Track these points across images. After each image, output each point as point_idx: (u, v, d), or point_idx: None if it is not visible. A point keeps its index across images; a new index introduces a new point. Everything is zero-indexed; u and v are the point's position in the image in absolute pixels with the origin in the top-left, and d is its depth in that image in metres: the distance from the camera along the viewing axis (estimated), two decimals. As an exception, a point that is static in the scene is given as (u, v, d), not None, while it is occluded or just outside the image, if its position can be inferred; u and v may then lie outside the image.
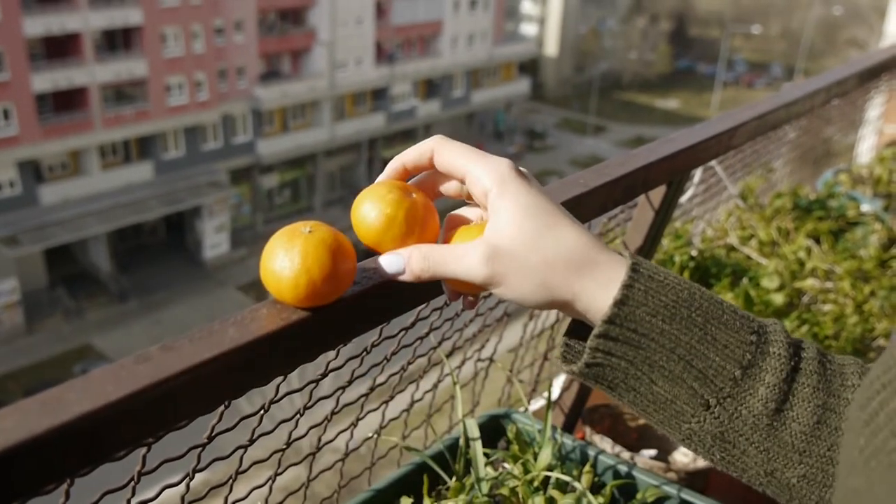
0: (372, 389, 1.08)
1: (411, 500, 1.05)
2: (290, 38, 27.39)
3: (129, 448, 0.58)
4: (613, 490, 1.10)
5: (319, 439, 0.99)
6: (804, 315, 1.72)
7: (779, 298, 1.73)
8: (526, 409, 1.25)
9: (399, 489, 1.07)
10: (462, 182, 0.68)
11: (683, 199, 1.87)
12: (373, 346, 0.95)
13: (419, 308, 0.95)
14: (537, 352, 1.50)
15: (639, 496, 1.11)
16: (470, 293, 0.70)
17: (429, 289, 0.74)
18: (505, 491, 1.03)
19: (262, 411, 0.82)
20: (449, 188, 0.71)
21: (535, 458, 1.09)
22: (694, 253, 1.81)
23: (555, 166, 32.82)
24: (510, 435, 1.16)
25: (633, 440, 1.51)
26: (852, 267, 1.81)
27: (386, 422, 1.13)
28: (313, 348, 0.68)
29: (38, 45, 22.16)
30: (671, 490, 1.10)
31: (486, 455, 1.09)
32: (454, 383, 1.11)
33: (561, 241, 0.62)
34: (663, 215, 1.36)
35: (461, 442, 1.08)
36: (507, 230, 0.63)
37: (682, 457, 1.46)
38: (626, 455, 1.33)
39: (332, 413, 0.98)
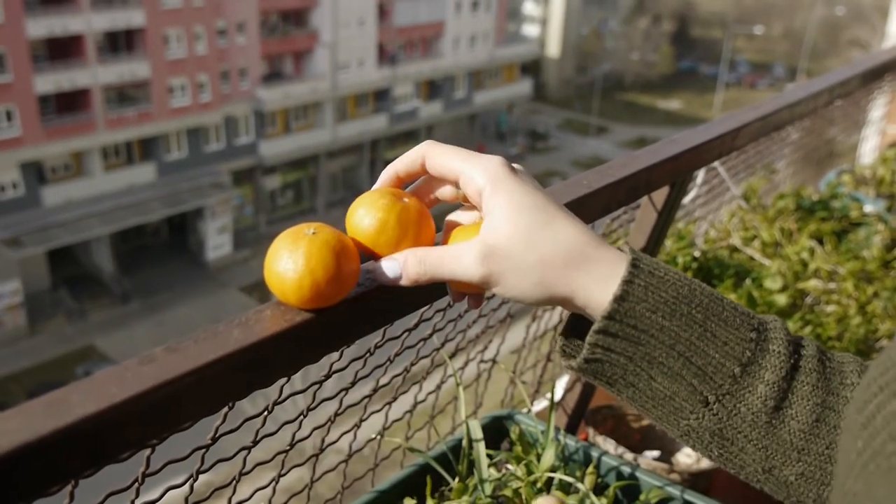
0: (375, 391, 1.08)
1: (414, 501, 1.05)
2: (292, 40, 27.42)
3: (133, 450, 0.58)
4: (617, 491, 1.10)
5: (323, 440, 0.99)
6: (807, 316, 1.72)
7: (782, 299, 1.73)
8: (529, 411, 1.25)
9: (402, 490, 1.07)
10: (456, 185, 0.68)
11: (686, 199, 1.87)
12: (376, 347, 0.95)
13: (422, 309, 0.95)
14: (540, 353, 1.50)
15: (642, 497, 1.11)
16: (473, 293, 0.70)
17: (432, 290, 0.74)
18: (508, 492, 1.03)
19: (265, 412, 0.82)
20: (444, 192, 0.71)
21: (539, 460, 1.09)
22: (697, 254, 1.81)
23: (557, 167, 32.82)
24: (513, 436, 1.16)
25: (636, 441, 1.51)
26: (855, 268, 1.81)
27: (389, 423, 1.13)
28: (317, 349, 0.68)
29: (41, 46, 22.21)
30: (674, 491, 1.10)
31: (489, 456, 1.09)
32: (457, 384, 1.11)
33: (557, 236, 0.62)
34: (666, 216, 1.36)
35: (464, 443, 1.08)
36: (502, 228, 0.62)
37: (686, 458, 1.46)
38: (629, 456, 1.33)
39: (336, 414, 0.98)
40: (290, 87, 26.92)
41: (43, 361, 19.66)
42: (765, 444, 0.61)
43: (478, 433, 1.08)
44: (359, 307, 0.69)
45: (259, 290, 22.79)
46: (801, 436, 0.60)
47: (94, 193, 22.84)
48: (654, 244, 1.39)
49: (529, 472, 1.06)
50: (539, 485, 1.05)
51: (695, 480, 1.34)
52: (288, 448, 0.91)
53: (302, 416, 0.89)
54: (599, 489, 1.12)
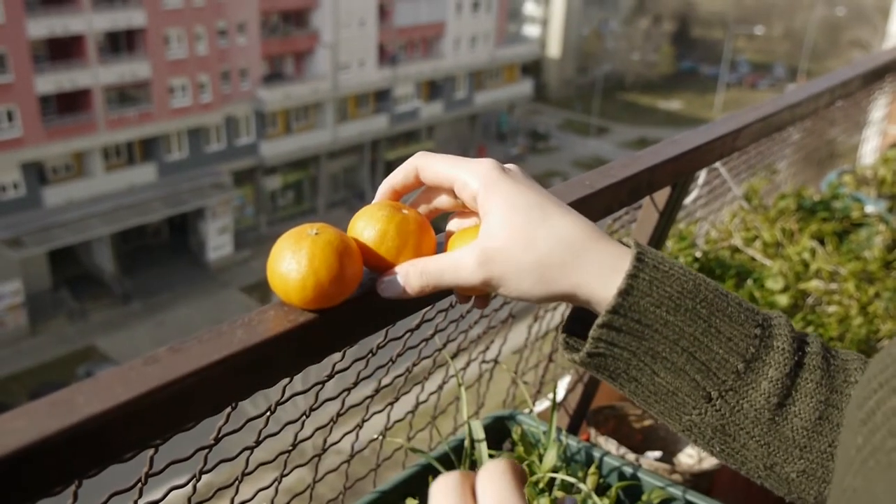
0: (377, 391, 1.08)
1: (416, 501, 1.05)
2: (293, 40, 27.43)
3: (137, 449, 0.58)
4: (619, 491, 1.10)
5: (325, 441, 0.99)
6: (808, 316, 1.72)
7: (783, 300, 1.73)
8: (531, 411, 1.25)
9: (404, 491, 1.07)
10: (453, 192, 0.68)
11: (688, 200, 1.87)
12: (378, 347, 0.95)
13: (424, 310, 0.95)
14: (542, 353, 1.51)
15: (644, 498, 1.11)
16: (478, 294, 0.71)
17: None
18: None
19: (268, 413, 0.82)
20: (442, 201, 0.71)
21: (541, 460, 1.09)
22: (698, 254, 1.81)
23: (558, 167, 32.82)
24: (515, 436, 1.16)
25: (638, 441, 1.51)
26: (857, 268, 1.81)
27: (391, 423, 1.13)
28: (321, 350, 0.68)
29: (42, 46, 22.23)
30: (676, 491, 1.10)
31: (491, 456, 1.09)
32: (459, 385, 1.11)
33: (554, 233, 0.62)
34: (668, 217, 1.36)
35: (466, 443, 1.08)
36: (499, 231, 0.62)
37: (687, 458, 1.46)
38: (630, 456, 1.34)
39: (338, 415, 0.99)
40: (290, 87, 26.93)
41: (44, 362, 19.67)
42: (767, 441, 0.61)
43: (480, 433, 1.08)
44: (362, 308, 0.69)
45: (260, 291, 22.81)
46: (804, 433, 0.60)
47: (95, 194, 22.86)
48: (655, 244, 1.39)
49: (531, 473, 1.06)
50: (541, 485, 1.05)
51: (697, 481, 1.34)
52: (290, 448, 0.91)
53: (304, 417, 0.89)
54: (601, 490, 1.12)
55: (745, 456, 0.62)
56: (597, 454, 1.17)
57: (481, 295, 0.71)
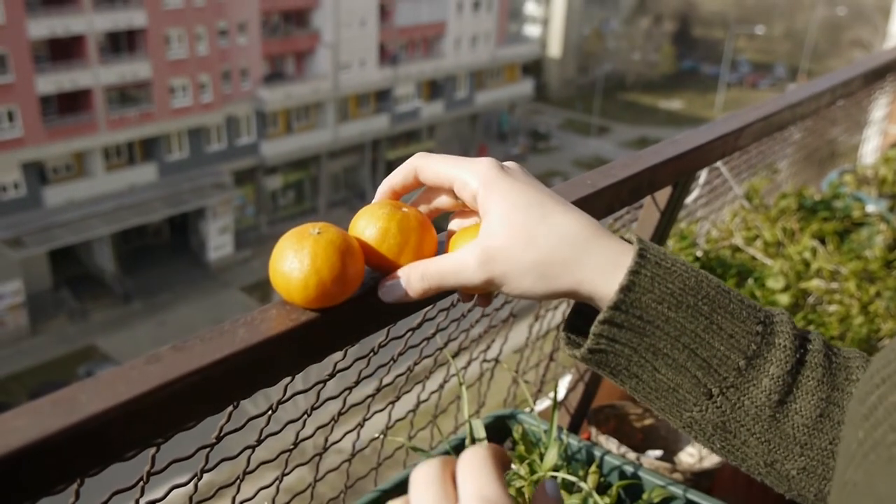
0: (378, 390, 1.08)
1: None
2: (293, 40, 27.43)
3: (139, 448, 0.58)
4: (619, 490, 1.10)
5: (326, 440, 0.99)
6: (809, 316, 1.72)
7: (784, 299, 1.73)
8: (531, 410, 1.25)
9: (405, 490, 1.07)
10: (452, 192, 0.68)
11: (689, 199, 1.87)
12: (380, 346, 0.95)
13: (426, 309, 0.95)
14: (543, 352, 1.51)
15: (645, 496, 1.11)
16: (481, 293, 0.71)
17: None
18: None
19: (269, 412, 0.82)
20: (442, 201, 0.71)
21: (541, 459, 1.09)
22: (699, 254, 1.81)
23: (558, 167, 32.82)
24: (516, 435, 1.16)
25: (639, 440, 1.51)
26: (858, 267, 1.81)
27: (392, 422, 1.13)
28: (323, 349, 0.68)
29: (43, 47, 22.24)
30: (677, 490, 1.10)
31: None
32: (460, 384, 1.12)
33: (554, 230, 0.62)
34: (669, 216, 1.36)
35: (467, 442, 1.08)
36: (499, 230, 0.62)
37: (688, 457, 1.46)
38: (631, 455, 1.34)
39: (339, 414, 0.99)
40: (291, 87, 26.93)
41: (45, 361, 19.68)
42: (767, 438, 0.61)
43: (481, 432, 1.08)
44: (363, 307, 0.69)
45: (260, 290, 22.81)
46: (805, 430, 0.60)
47: (96, 194, 22.87)
48: (656, 244, 1.39)
49: (532, 472, 1.06)
50: (542, 484, 1.05)
51: (697, 480, 1.34)
52: (292, 447, 0.91)
53: (306, 416, 0.89)
54: (602, 488, 1.12)
55: (746, 453, 0.62)
56: (598, 453, 1.17)
57: (484, 293, 0.71)
